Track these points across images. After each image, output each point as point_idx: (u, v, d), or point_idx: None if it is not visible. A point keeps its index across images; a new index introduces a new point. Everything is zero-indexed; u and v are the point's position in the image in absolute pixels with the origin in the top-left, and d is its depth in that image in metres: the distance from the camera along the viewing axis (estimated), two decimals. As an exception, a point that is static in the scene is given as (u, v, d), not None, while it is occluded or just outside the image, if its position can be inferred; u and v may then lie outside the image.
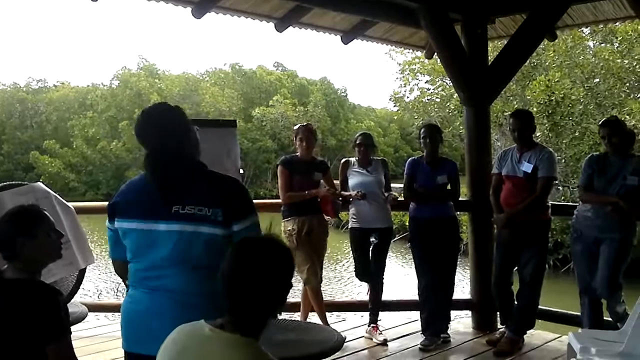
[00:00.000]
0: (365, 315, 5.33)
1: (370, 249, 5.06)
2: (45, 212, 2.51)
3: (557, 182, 4.94)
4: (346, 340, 3.83)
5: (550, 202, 4.76)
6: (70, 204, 4.01)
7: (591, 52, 18.04)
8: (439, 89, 22.98)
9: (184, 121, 2.35)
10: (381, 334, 5.11)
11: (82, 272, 3.98)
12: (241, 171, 4.58)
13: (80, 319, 3.89)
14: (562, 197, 14.28)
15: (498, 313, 5.14)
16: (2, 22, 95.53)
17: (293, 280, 1.78)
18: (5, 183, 3.79)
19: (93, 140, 40.35)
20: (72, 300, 3.91)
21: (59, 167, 38.23)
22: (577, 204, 4.76)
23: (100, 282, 12.56)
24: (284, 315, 5.34)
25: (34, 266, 2.42)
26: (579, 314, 4.71)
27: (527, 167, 4.55)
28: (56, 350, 2.25)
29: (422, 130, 5.09)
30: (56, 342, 2.25)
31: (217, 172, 2.34)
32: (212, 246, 2.19)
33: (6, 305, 2.28)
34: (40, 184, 3.92)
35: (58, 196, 3.86)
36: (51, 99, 44.57)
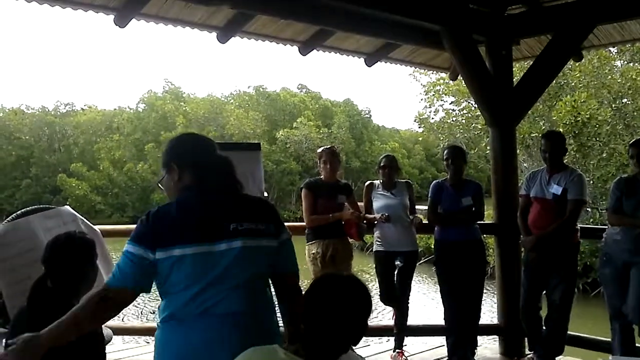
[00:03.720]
0: (390, 340, 5.27)
1: (395, 272, 5.01)
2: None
3: (585, 204, 4.84)
4: (371, 366, 3.78)
5: (579, 225, 4.68)
6: (96, 227, 4.04)
7: (618, 71, 17.87)
8: (464, 110, 22.92)
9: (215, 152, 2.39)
10: (406, 359, 5.04)
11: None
12: (265, 194, 4.58)
13: (106, 341, 3.90)
14: (591, 220, 14.06)
15: (526, 338, 5.05)
16: (31, 47, 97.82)
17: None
18: (33, 207, 3.84)
19: (119, 162, 40.91)
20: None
21: (85, 190, 38.77)
22: (606, 226, 4.67)
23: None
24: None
25: (82, 293, 2.50)
26: (609, 340, 4.59)
27: (556, 189, 4.48)
28: None
29: (446, 152, 5.05)
30: None
31: (247, 194, 2.39)
32: (269, 260, 2.26)
33: None
34: (67, 207, 3.96)
35: (84, 219, 3.90)
36: (78, 122, 45.36)
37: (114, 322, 5.35)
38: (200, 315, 2.11)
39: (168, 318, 2.15)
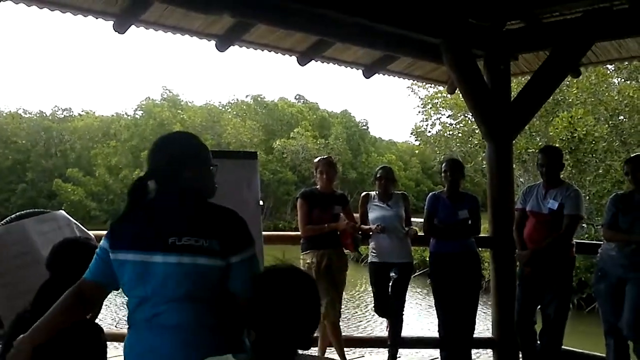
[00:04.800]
0: (384, 352, 5.25)
1: (390, 284, 5.00)
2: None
3: (582, 219, 4.85)
4: (364, 378, 3.76)
5: (575, 240, 4.68)
6: (90, 232, 4.02)
7: (615, 89, 17.96)
8: (461, 123, 22.98)
9: (195, 152, 2.29)
10: (400, 371, 5.02)
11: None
12: (261, 203, 4.58)
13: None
14: (586, 235, 14.08)
15: (520, 352, 5.03)
16: (30, 51, 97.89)
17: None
18: (27, 210, 3.82)
19: (115, 169, 40.84)
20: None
21: (80, 196, 38.68)
22: (602, 242, 4.68)
23: (120, 311, 12.59)
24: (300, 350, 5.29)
25: None
26: (604, 355, 4.60)
27: (552, 204, 4.49)
28: None
29: (444, 165, 5.08)
30: None
31: (216, 204, 2.24)
32: (210, 278, 2.10)
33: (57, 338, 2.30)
34: (62, 211, 3.93)
35: (79, 224, 3.88)
36: (76, 128, 45.29)
37: (108, 328, 5.31)
38: (147, 323, 2.13)
39: (128, 321, 2.21)
